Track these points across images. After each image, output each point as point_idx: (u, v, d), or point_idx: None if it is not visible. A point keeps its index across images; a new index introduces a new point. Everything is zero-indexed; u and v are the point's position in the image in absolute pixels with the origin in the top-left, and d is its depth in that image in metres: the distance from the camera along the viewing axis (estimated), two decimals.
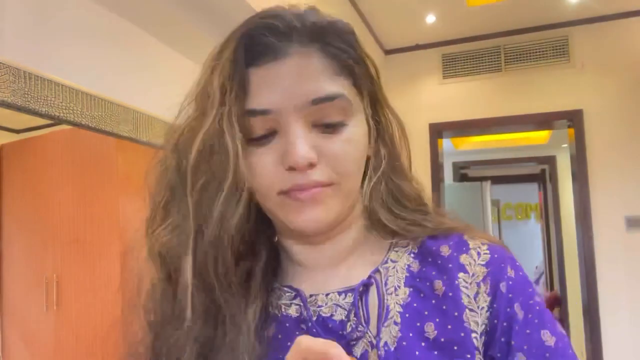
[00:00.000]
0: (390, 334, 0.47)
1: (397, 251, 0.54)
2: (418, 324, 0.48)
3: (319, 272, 0.53)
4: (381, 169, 0.53)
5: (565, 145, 4.69)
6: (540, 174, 5.91)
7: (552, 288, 5.59)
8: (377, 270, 0.52)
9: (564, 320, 4.72)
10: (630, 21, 3.18)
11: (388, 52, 3.69)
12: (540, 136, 5.02)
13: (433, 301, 0.49)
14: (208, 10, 1.62)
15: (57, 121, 0.85)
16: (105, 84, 1.16)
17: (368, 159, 0.53)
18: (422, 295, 0.50)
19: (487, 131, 3.66)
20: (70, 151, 1.21)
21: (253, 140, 0.47)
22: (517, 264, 0.52)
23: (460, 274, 0.50)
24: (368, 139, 0.52)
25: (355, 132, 0.49)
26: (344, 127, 0.48)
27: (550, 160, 5.16)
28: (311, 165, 0.46)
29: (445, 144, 4.28)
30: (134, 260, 0.53)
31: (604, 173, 3.15)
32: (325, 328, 0.49)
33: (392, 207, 0.54)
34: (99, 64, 1.17)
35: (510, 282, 0.49)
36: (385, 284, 0.51)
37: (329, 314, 0.49)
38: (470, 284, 0.49)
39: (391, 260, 0.53)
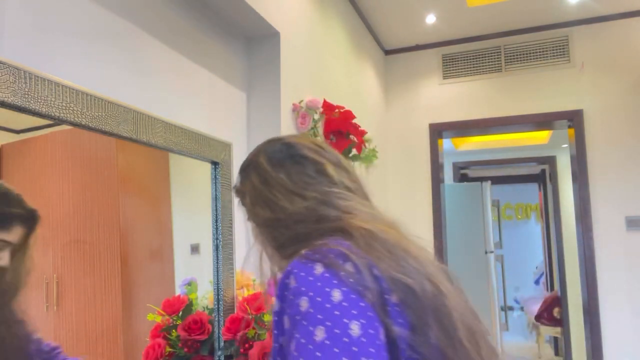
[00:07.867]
0: None
1: None
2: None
3: None
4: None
5: (565, 145, 4.70)
6: (540, 174, 5.90)
7: (552, 288, 5.59)
8: None
9: (564, 320, 4.72)
10: (630, 21, 3.18)
11: (388, 52, 3.69)
12: (540, 136, 5.02)
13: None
14: (209, 11, 1.62)
15: (57, 121, 0.85)
16: (105, 84, 1.16)
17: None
18: None
19: (487, 131, 3.66)
20: (70, 151, 1.21)
21: None
22: (286, 281, 0.63)
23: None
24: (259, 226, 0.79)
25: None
26: None
27: (550, 160, 5.15)
28: None
29: (445, 144, 4.28)
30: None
31: (604, 173, 3.15)
32: None
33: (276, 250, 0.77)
34: (99, 64, 1.17)
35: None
36: None
37: None
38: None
39: None
